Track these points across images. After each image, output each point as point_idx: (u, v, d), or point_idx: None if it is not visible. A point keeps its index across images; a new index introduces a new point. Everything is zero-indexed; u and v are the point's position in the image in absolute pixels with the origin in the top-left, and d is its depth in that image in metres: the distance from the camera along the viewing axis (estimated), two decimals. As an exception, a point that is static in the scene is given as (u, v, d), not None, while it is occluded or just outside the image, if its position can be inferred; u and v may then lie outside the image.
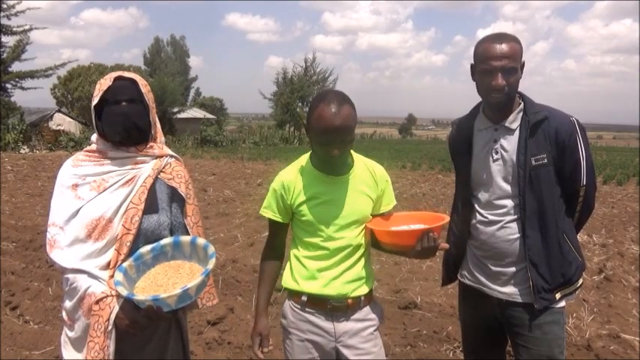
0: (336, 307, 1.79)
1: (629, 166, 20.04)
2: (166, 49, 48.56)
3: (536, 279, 1.84)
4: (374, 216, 1.87)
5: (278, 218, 1.85)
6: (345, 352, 1.80)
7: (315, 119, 1.66)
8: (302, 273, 1.82)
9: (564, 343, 1.93)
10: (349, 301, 1.79)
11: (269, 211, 1.86)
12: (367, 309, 1.85)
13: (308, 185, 1.81)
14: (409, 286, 4.83)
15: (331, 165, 1.77)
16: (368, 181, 1.85)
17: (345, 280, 1.79)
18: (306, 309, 1.82)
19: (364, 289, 1.82)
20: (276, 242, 1.94)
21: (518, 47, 1.79)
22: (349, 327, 1.80)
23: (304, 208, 1.79)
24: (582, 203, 1.91)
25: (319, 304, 1.80)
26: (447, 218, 1.78)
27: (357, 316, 1.82)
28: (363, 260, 1.84)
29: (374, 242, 1.86)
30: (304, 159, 1.87)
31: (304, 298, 1.81)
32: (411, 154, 25.71)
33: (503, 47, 1.76)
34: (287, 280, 1.86)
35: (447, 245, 1.78)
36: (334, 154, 1.68)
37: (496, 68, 1.76)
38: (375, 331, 1.85)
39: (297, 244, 1.87)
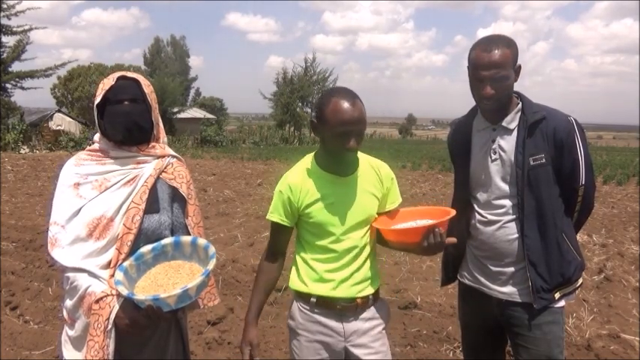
0: (345, 308, 1.78)
1: (629, 166, 20.03)
2: (166, 49, 48.55)
3: (535, 279, 1.84)
4: (379, 214, 1.85)
5: (285, 222, 1.79)
6: (355, 351, 1.79)
7: (332, 112, 1.65)
8: (310, 275, 1.79)
9: (564, 343, 1.93)
10: (358, 301, 1.79)
11: (275, 214, 1.80)
12: (375, 308, 1.85)
13: (315, 187, 1.77)
14: (409, 286, 4.84)
15: (344, 162, 1.76)
16: (373, 180, 1.84)
17: (354, 281, 1.78)
18: (315, 310, 1.80)
19: (372, 289, 1.82)
20: (279, 247, 1.87)
21: (509, 53, 1.76)
22: (358, 326, 1.80)
23: (312, 210, 1.76)
24: (581, 203, 1.90)
25: (328, 305, 1.78)
26: (453, 212, 1.74)
27: (365, 315, 1.81)
28: (369, 260, 1.83)
29: (381, 240, 1.85)
30: (308, 160, 1.84)
31: (313, 300, 1.78)
32: (411, 154, 25.69)
33: (493, 56, 1.74)
34: (294, 282, 1.83)
35: (454, 240, 1.71)
36: (351, 147, 1.67)
37: (485, 78, 1.76)
38: (382, 330, 1.85)
39: (303, 246, 1.83)
